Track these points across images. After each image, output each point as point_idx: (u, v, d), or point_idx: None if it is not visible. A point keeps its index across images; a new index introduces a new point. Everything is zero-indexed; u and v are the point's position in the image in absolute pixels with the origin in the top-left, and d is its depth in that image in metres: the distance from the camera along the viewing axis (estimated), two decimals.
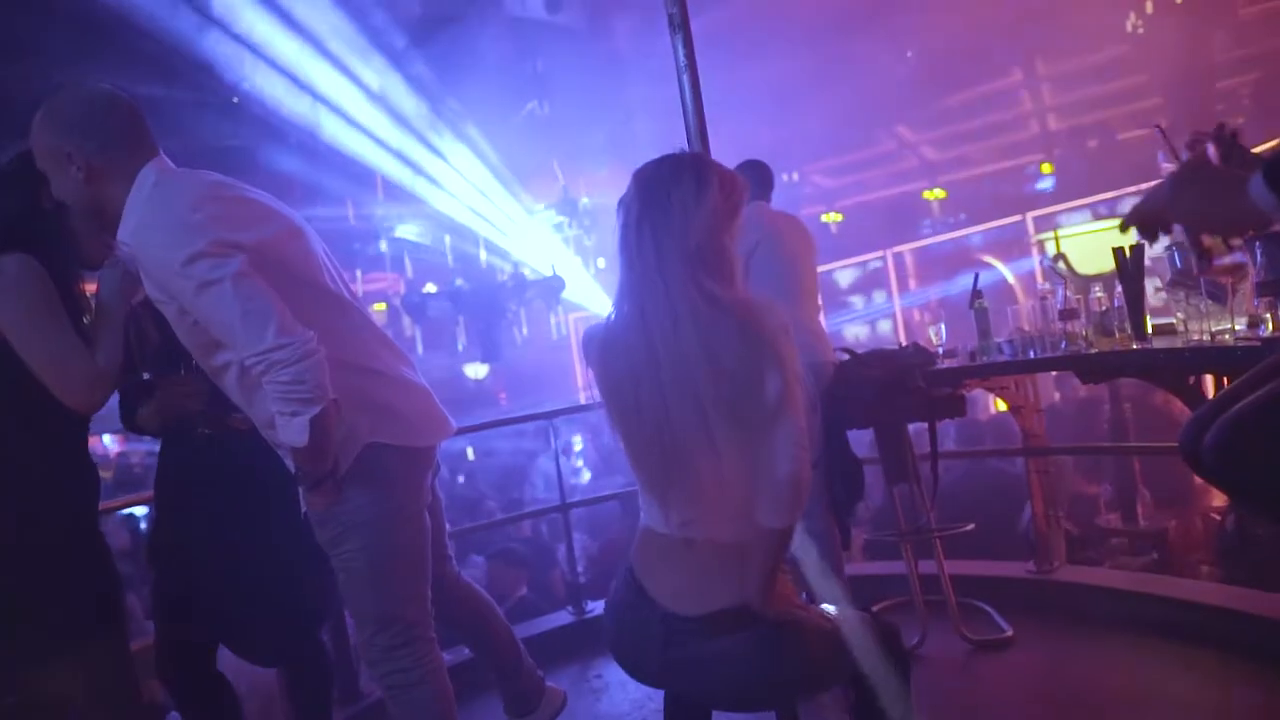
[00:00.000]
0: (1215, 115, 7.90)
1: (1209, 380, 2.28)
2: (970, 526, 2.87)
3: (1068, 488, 4.05)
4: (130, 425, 1.93)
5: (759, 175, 2.99)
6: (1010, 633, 2.69)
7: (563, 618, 3.33)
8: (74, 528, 1.65)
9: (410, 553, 1.77)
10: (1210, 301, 1.85)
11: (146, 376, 1.91)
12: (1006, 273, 8.25)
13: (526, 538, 5.04)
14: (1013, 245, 9.83)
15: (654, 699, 1.92)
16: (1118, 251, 2.06)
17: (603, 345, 1.45)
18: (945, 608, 2.74)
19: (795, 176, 12.17)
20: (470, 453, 9.75)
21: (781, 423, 1.34)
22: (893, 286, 11.45)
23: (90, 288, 1.77)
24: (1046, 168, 10.46)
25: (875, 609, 2.99)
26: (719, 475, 1.37)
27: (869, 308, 11.75)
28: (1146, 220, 1.20)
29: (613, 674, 2.78)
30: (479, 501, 5.95)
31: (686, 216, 1.37)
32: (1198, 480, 4.44)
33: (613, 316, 1.45)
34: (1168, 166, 1.92)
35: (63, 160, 1.60)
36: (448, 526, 2.12)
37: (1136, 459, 3.97)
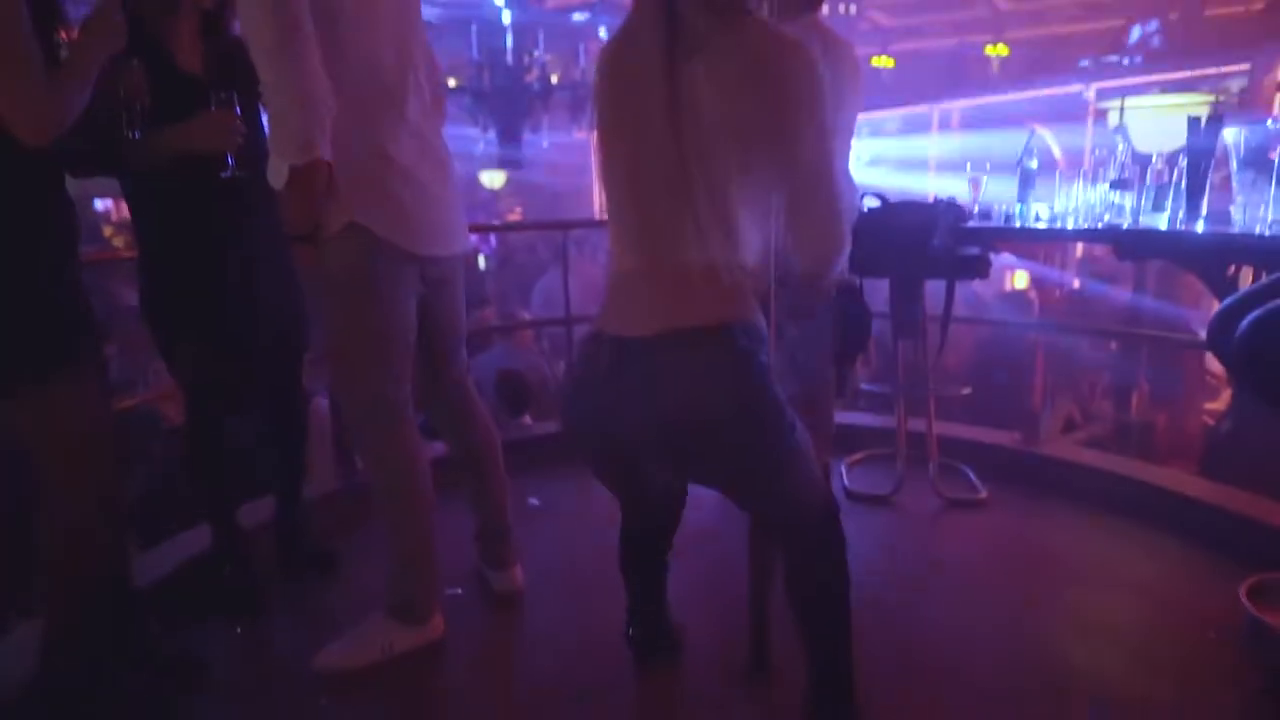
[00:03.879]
0: None
1: (1248, 275, 2.18)
2: (967, 390, 2.87)
3: (1075, 371, 4.02)
4: (111, 162, 1.80)
5: None
6: (984, 495, 2.75)
7: (550, 427, 3.41)
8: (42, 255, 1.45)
9: (381, 334, 1.74)
10: None
11: (136, 136, 1.76)
12: (1054, 146, 7.80)
13: (527, 348, 5.09)
14: (1068, 115, 9.22)
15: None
16: (1193, 120, 1.89)
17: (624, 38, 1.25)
18: (926, 465, 2.78)
19: (852, 10, 11.27)
20: (482, 261, 9.66)
21: (808, 180, 1.25)
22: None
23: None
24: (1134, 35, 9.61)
25: (858, 457, 3.12)
26: (725, 211, 1.19)
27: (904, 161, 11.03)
28: None
29: (598, 489, 2.83)
30: (480, 306, 5.96)
31: None
32: (1208, 378, 4.43)
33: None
34: None
35: None
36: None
37: (1145, 350, 3.92)
